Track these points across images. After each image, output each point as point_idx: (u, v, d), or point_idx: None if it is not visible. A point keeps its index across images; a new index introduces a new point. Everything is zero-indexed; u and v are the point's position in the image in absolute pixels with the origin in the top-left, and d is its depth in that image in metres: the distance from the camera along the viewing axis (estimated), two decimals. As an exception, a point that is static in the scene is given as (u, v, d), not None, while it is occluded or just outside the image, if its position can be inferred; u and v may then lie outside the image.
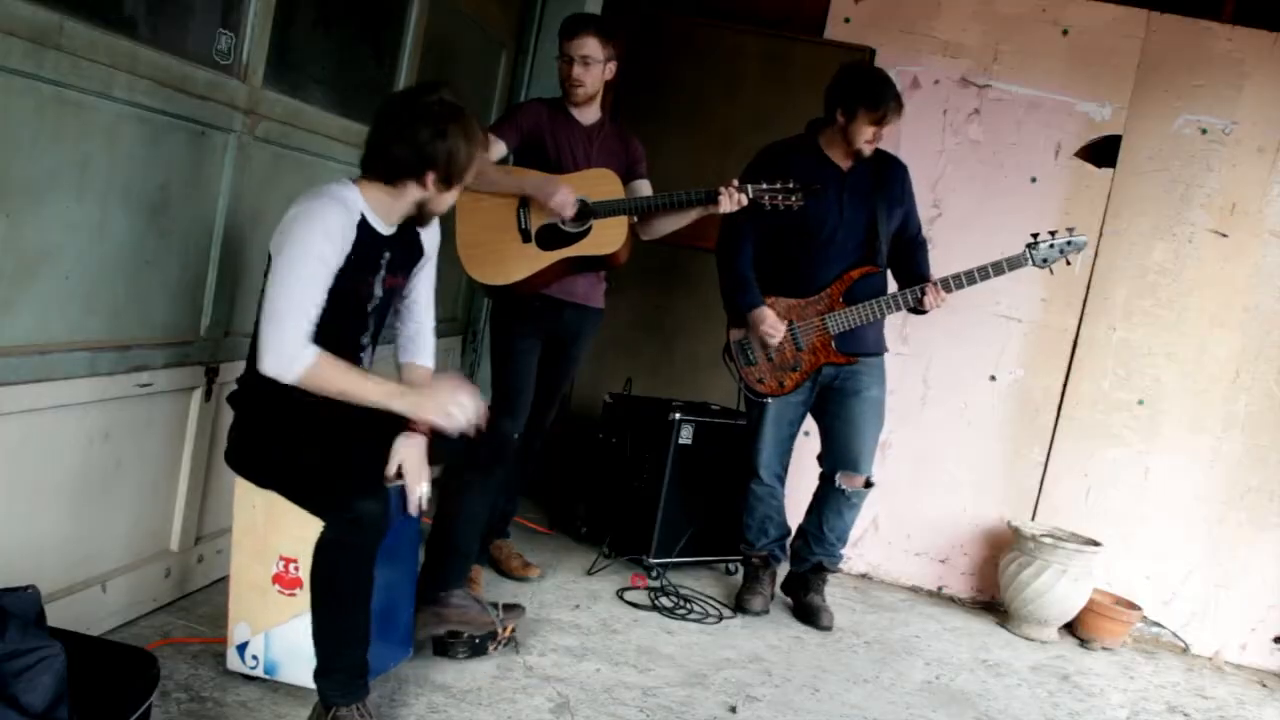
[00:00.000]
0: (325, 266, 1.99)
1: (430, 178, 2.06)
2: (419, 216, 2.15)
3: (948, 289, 3.08)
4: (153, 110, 2.11)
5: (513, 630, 2.51)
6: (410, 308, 2.34)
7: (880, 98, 3.01)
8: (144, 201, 2.15)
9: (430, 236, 2.29)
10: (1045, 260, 3.09)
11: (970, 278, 3.07)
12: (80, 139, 1.95)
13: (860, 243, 3.15)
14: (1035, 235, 3.10)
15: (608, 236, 2.84)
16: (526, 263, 2.84)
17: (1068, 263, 3.18)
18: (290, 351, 1.94)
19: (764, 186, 2.82)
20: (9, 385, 1.86)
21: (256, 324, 2.02)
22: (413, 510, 2.17)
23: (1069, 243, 3.09)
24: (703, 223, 3.04)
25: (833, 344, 3.15)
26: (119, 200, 2.08)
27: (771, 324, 3.11)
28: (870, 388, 3.22)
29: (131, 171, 2.10)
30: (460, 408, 2.07)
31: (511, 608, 2.59)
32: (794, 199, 2.84)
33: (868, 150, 3.10)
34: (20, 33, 1.74)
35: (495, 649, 2.46)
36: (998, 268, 3.06)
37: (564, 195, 2.75)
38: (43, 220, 1.89)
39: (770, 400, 3.22)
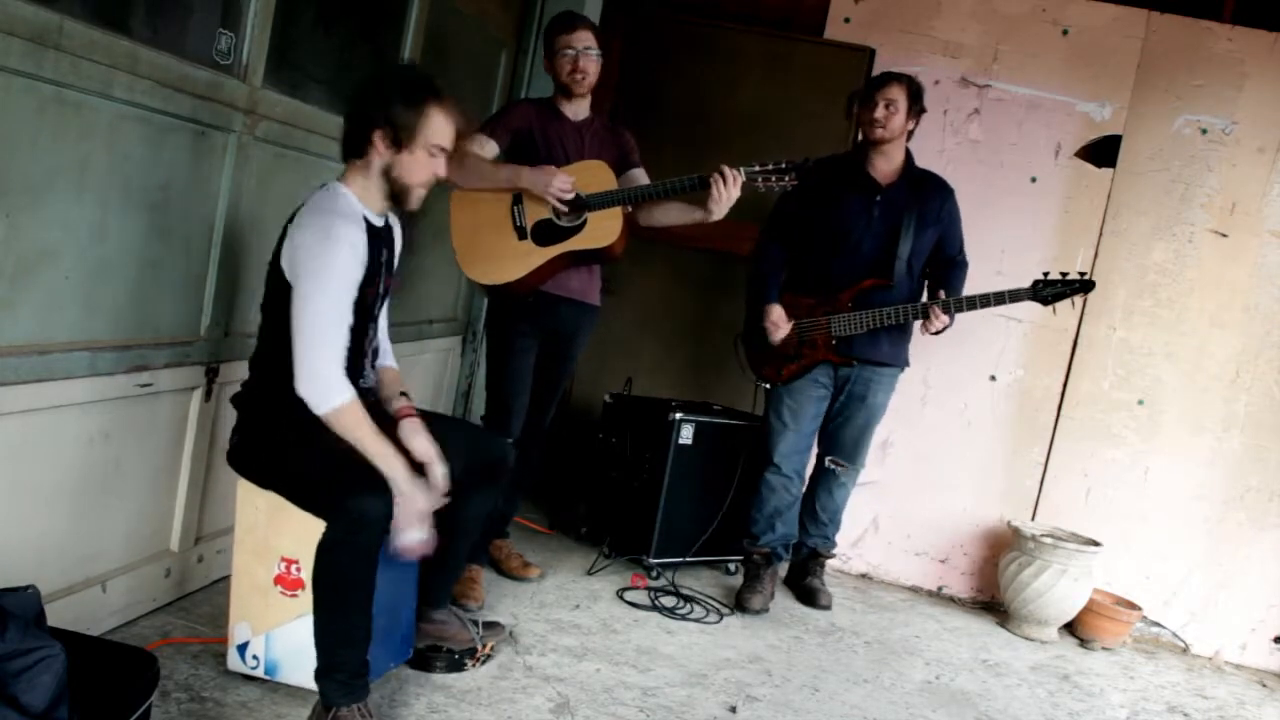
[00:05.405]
0: (352, 289, 2.01)
1: (377, 136, 2.03)
2: (396, 194, 2.10)
3: (946, 310, 3.13)
4: (153, 110, 2.11)
5: (492, 648, 2.53)
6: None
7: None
8: (144, 201, 2.15)
9: (397, 240, 2.28)
10: (1050, 299, 3.12)
11: (971, 303, 3.13)
12: (80, 139, 1.95)
13: (884, 256, 3.23)
14: (1046, 274, 3.15)
15: (603, 228, 2.82)
16: (524, 260, 2.83)
17: (1073, 305, 3.19)
18: (330, 386, 1.96)
19: (755, 168, 2.78)
20: (9, 385, 1.87)
21: (263, 337, 2.03)
22: (440, 489, 2.10)
23: (1079, 284, 3.10)
24: (706, 224, 3.03)
25: (832, 342, 3.24)
26: (119, 200, 2.08)
27: (774, 321, 3.24)
28: (878, 394, 3.36)
29: (131, 171, 2.10)
30: (419, 536, 1.99)
31: (492, 626, 2.59)
32: (786, 179, 2.78)
33: None
34: (20, 33, 1.74)
35: (474, 665, 2.46)
36: (1000, 298, 3.12)
37: (561, 178, 2.74)
38: (43, 220, 1.89)
39: (769, 386, 3.37)
